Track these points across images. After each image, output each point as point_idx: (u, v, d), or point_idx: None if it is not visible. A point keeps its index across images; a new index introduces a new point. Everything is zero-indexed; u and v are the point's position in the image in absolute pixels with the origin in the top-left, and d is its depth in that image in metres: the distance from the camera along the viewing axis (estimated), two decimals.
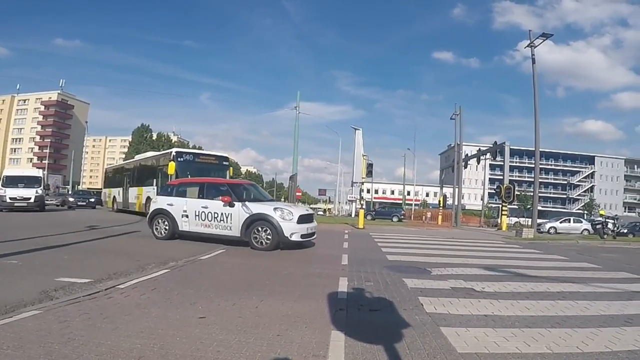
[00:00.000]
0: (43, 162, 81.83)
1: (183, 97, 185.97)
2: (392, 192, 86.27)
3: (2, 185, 22.13)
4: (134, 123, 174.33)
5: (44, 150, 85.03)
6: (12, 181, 22.55)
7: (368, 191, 60.61)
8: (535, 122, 20.08)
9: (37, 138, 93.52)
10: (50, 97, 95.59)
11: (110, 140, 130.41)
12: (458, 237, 17.23)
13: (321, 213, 64.92)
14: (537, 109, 20.14)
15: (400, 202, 68.68)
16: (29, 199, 21.96)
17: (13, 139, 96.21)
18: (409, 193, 67.85)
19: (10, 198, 21.65)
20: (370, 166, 20.61)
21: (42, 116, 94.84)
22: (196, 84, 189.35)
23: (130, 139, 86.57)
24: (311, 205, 63.52)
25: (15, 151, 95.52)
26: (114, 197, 26.82)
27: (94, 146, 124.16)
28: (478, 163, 35.41)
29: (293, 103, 29.46)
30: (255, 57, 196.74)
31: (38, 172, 25.85)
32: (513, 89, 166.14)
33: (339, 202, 73.56)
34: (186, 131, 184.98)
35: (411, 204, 60.80)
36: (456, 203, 30.91)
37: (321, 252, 9.77)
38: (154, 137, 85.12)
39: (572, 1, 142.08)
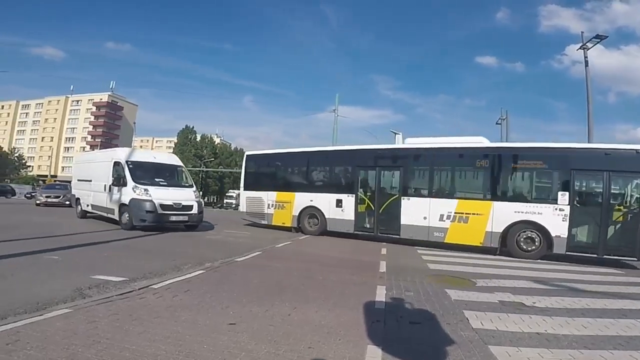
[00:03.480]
0: None
1: (226, 100, 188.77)
2: None
3: (135, 181, 12.60)
4: (179, 125, 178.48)
5: (95, 150, 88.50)
6: (146, 173, 13.19)
7: None
8: (588, 127, 19.04)
9: (89, 138, 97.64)
10: (101, 99, 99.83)
11: (157, 140, 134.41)
12: None
13: None
14: (591, 112, 19.09)
15: None
16: (190, 208, 13.00)
17: (66, 138, 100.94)
18: None
19: (164, 207, 12.36)
20: None
21: (93, 117, 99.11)
22: (238, 87, 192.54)
23: (176, 140, 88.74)
24: None
25: (68, 150, 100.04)
26: (308, 206, 14.61)
27: (141, 146, 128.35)
28: None
29: (332, 106, 29.25)
30: (295, 61, 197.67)
31: (176, 159, 15.56)
32: (561, 94, 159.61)
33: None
34: (228, 133, 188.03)
35: None
36: None
37: (358, 258, 9.46)
38: (198, 138, 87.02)
39: (623, 4, 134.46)
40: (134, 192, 12.36)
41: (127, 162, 13.04)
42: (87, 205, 15.41)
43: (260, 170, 17.06)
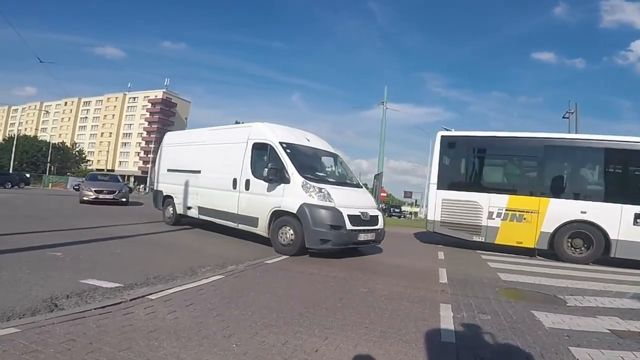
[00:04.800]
0: (149, 156, 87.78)
1: (275, 97, 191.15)
2: None
3: (303, 176, 7.97)
4: (230, 121, 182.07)
5: (150, 145, 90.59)
6: (307, 164, 8.79)
7: None
8: None
9: (145, 134, 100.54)
10: (156, 95, 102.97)
11: None
12: None
13: (409, 216, 62.82)
14: None
15: None
16: (376, 220, 8.41)
17: (123, 133, 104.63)
18: None
19: (352, 219, 7.72)
20: None
21: (148, 113, 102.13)
22: (287, 84, 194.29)
23: None
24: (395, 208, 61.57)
25: (125, 145, 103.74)
26: (576, 221, 9.80)
27: None
28: None
29: (380, 102, 27.35)
30: (342, 59, 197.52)
31: (327, 144, 10.39)
32: (626, 91, 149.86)
33: (426, 206, 70.48)
34: None
35: None
36: None
37: (410, 264, 7.94)
38: None
39: None
40: (306, 193, 7.60)
41: (282, 144, 8.43)
42: (189, 208, 10.57)
43: (472, 160, 11.67)
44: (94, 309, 3.57)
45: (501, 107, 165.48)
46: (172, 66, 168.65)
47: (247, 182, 8.70)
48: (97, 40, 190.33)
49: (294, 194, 7.73)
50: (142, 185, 68.98)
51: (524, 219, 10.10)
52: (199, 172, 10.28)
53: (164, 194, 11.77)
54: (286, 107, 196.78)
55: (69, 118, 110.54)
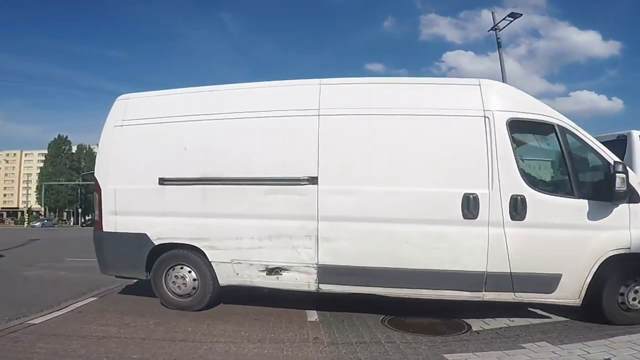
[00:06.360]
0: None
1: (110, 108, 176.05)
2: None
3: None
4: (49, 137, 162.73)
5: None
6: None
7: None
8: None
9: None
10: None
11: (26, 154, 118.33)
12: None
13: None
14: None
15: None
16: None
17: None
18: None
19: None
20: None
21: None
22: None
23: (47, 152, 78.07)
24: None
25: None
26: None
27: (7, 161, 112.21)
28: None
29: None
30: (190, 69, 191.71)
31: None
32: None
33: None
34: None
35: None
36: None
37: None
38: (74, 149, 77.75)
39: (490, 13, 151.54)
40: None
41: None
42: (274, 271, 4.33)
43: None
44: None
45: None
46: None
47: (519, 203, 4.04)
48: None
49: None
50: None
51: None
52: (309, 181, 4.34)
53: (156, 242, 4.71)
54: None
55: None
